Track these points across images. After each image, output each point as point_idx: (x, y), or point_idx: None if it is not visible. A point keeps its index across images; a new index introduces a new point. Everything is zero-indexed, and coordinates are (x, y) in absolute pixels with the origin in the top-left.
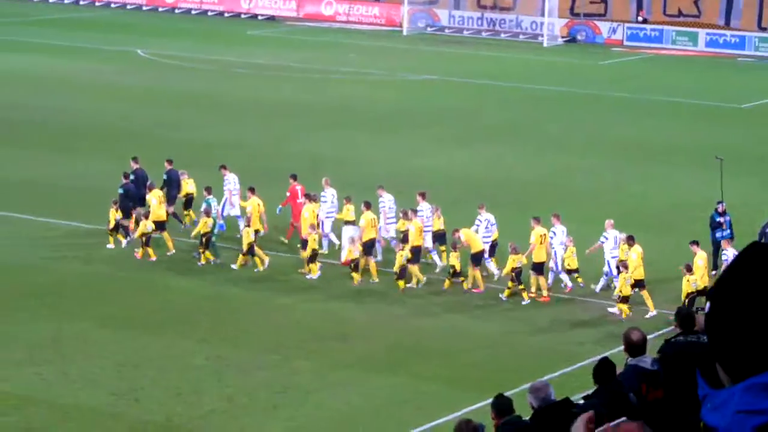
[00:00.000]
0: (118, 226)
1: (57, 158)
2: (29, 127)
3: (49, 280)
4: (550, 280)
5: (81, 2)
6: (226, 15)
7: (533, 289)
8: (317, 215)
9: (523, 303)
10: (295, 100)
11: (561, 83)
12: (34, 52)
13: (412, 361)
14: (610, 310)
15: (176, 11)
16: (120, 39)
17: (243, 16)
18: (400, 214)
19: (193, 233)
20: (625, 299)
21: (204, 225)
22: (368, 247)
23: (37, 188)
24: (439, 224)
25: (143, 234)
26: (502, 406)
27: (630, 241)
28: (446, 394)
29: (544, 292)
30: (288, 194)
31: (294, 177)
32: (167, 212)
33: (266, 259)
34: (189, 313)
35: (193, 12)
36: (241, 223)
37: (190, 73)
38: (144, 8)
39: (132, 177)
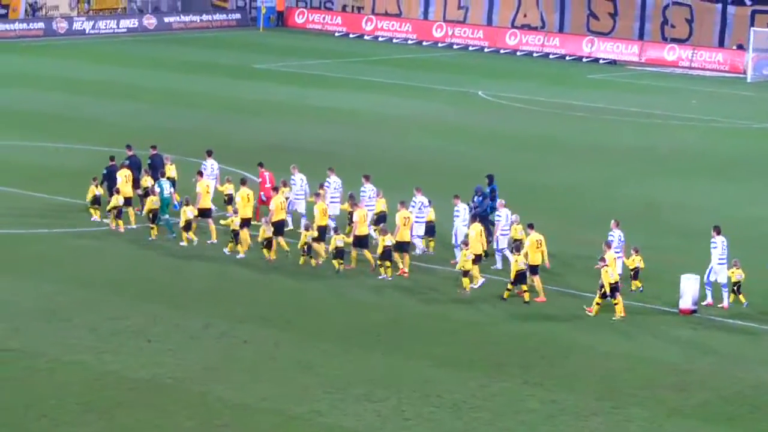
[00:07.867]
0: (95, 201)
1: (393, 195)
2: (373, 166)
3: (384, 318)
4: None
5: (424, 43)
6: (567, 58)
7: (403, 267)
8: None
9: (397, 274)
10: (634, 145)
11: None
12: (377, 91)
13: (750, 414)
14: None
15: (518, 53)
16: (461, 80)
17: (584, 59)
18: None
19: (144, 212)
20: (466, 273)
21: (150, 203)
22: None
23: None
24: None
25: (114, 207)
26: None
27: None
28: None
29: (406, 268)
30: (259, 180)
31: (261, 164)
32: (133, 191)
33: (214, 237)
34: (524, 355)
35: (535, 54)
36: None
37: (530, 114)
38: (486, 50)
39: (126, 161)
